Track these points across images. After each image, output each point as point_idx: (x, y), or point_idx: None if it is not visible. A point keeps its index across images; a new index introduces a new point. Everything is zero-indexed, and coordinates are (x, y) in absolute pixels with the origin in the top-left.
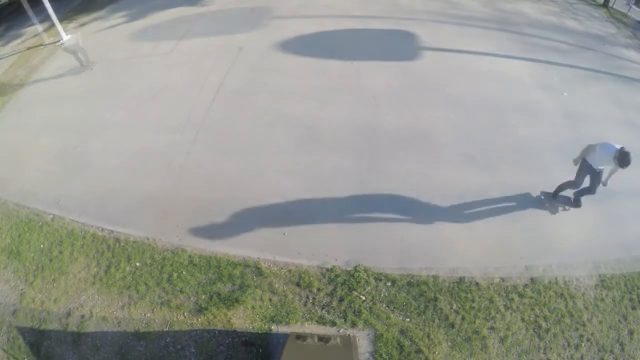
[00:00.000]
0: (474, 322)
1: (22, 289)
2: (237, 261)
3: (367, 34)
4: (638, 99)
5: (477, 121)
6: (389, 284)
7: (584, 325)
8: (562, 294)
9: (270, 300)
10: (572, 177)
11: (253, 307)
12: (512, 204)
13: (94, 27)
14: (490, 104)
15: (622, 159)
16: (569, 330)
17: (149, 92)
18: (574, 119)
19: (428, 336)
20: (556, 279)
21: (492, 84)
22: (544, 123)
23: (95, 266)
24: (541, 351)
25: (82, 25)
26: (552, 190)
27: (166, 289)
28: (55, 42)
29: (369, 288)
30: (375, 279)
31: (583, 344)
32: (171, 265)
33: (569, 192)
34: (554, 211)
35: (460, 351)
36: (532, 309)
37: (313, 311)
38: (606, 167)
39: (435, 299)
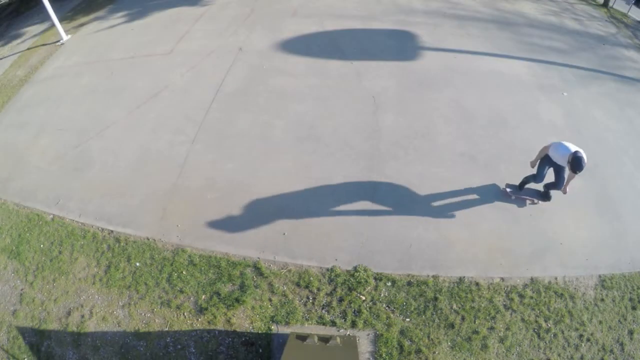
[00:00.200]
0: (474, 322)
1: (22, 289)
2: (237, 261)
3: (367, 34)
4: (638, 99)
5: (477, 121)
6: (389, 283)
7: (584, 325)
8: (562, 294)
9: (270, 300)
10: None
11: (253, 307)
12: (512, 204)
13: (94, 27)
14: (490, 104)
15: (574, 163)
16: (569, 330)
17: (149, 92)
18: (574, 119)
19: (428, 336)
20: (556, 279)
21: (492, 84)
22: (544, 123)
23: (95, 266)
24: (541, 351)
25: (82, 25)
26: (517, 183)
27: (166, 289)
28: (55, 42)
29: (369, 288)
30: (375, 278)
31: (583, 344)
32: (171, 265)
33: (539, 186)
34: (521, 204)
35: (460, 351)
36: (532, 309)
37: (313, 311)
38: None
39: (435, 299)
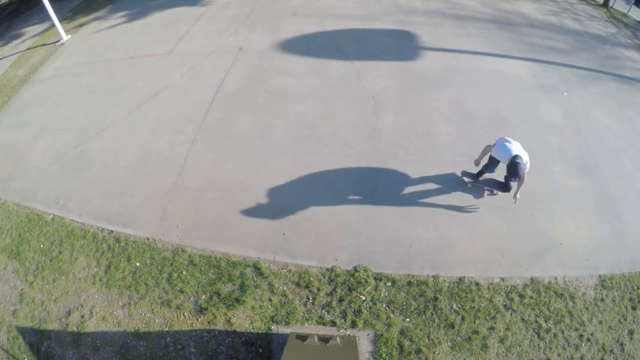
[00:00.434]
0: (474, 322)
1: (22, 289)
2: (237, 261)
3: (367, 34)
4: (638, 99)
5: (477, 121)
6: (389, 284)
7: (584, 325)
8: (562, 294)
9: (270, 300)
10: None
11: (253, 307)
12: (512, 204)
13: (94, 27)
14: (490, 104)
15: (509, 168)
16: (569, 330)
17: (149, 92)
18: (574, 119)
19: (428, 336)
20: (556, 279)
21: (492, 84)
22: (544, 123)
23: (95, 266)
24: (541, 351)
25: (82, 25)
26: (474, 172)
27: (166, 289)
28: (55, 42)
29: (369, 288)
30: (375, 278)
31: (583, 344)
32: (171, 265)
33: (499, 177)
34: (478, 194)
35: (460, 351)
36: (532, 309)
37: (313, 311)
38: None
39: (435, 299)
